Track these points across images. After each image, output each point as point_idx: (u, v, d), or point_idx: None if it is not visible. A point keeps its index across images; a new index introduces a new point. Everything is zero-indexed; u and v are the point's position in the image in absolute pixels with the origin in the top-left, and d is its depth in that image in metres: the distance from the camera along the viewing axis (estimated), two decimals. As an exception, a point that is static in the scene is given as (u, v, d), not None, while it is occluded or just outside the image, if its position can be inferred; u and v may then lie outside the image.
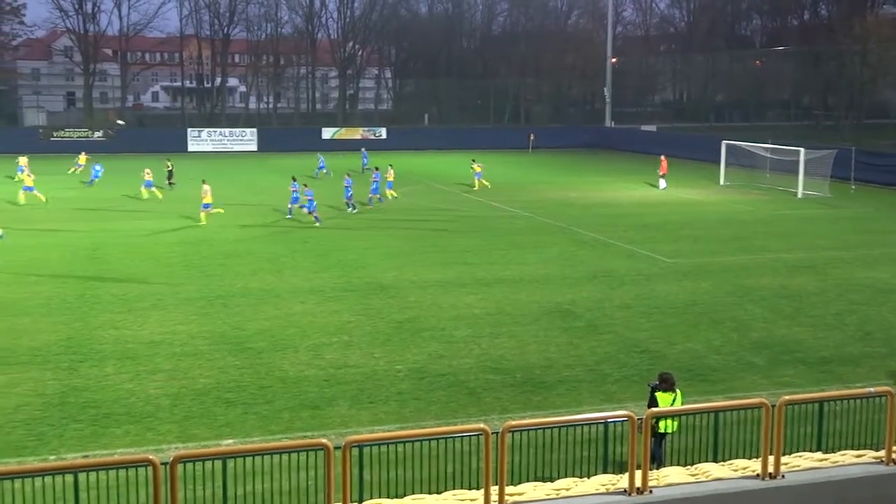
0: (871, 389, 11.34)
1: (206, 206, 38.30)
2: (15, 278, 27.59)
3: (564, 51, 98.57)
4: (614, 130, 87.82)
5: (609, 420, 13.39)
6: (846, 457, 11.17)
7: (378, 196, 44.68)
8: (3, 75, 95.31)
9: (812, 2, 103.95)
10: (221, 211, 39.02)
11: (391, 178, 47.47)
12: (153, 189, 45.63)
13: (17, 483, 11.12)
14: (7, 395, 17.61)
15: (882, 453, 10.43)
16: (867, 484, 10.12)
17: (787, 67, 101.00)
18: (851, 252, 33.50)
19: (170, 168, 51.09)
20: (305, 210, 38.58)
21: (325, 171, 56.91)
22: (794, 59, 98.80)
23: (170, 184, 49.81)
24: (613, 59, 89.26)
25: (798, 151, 49.74)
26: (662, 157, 53.78)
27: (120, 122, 56.44)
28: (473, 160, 53.28)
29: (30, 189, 43.79)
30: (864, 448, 11.81)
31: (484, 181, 51.74)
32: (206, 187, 38.81)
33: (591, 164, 69.93)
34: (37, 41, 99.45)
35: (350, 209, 41.96)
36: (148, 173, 46.26)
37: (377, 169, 46.50)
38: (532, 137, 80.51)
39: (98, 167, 52.57)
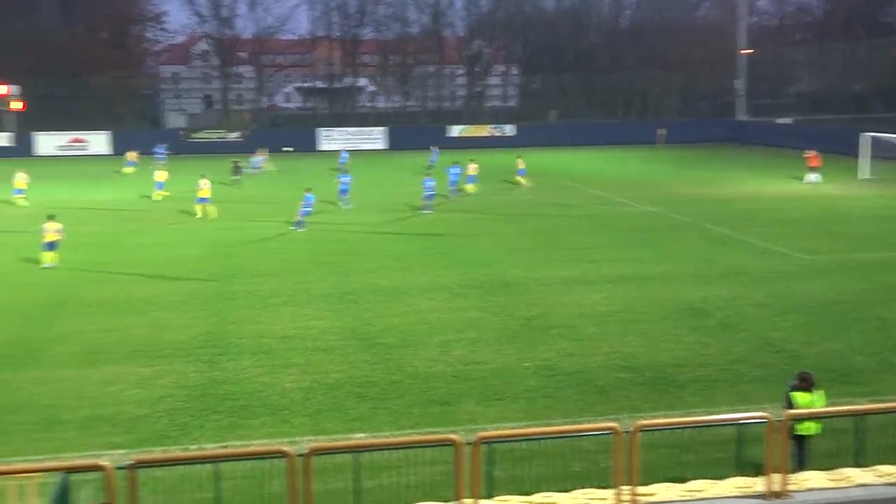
0: None
1: (203, 199, 40.15)
2: (158, 275, 28.79)
3: (694, 43, 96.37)
4: (747, 124, 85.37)
5: (745, 421, 13.02)
6: None
7: (455, 189, 45.25)
8: (147, 80, 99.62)
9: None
10: (210, 209, 40.05)
11: (473, 173, 48.33)
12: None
13: (161, 471, 11.59)
14: (153, 386, 18.39)
15: None
16: None
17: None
18: None
19: (236, 163, 53.16)
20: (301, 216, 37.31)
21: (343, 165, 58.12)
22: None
23: (235, 180, 51.84)
24: (746, 51, 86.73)
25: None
26: (810, 151, 52.13)
27: (288, 148, 58.25)
28: (518, 156, 52.80)
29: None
30: None
31: (522, 179, 51.26)
32: (204, 182, 40.48)
33: (723, 158, 68.17)
34: (177, 46, 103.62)
35: (425, 211, 41.16)
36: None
37: (456, 163, 47.21)
38: (663, 132, 79.05)
39: (257, 160, 55.63)
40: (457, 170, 46.48)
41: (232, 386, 18.41)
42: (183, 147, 74.53)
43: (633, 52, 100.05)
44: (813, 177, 51.12)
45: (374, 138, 79.86)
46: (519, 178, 51.39)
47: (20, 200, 44.98)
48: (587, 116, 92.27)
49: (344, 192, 43.62)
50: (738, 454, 13.05)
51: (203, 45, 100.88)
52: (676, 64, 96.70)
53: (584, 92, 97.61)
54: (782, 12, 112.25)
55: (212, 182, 41.81)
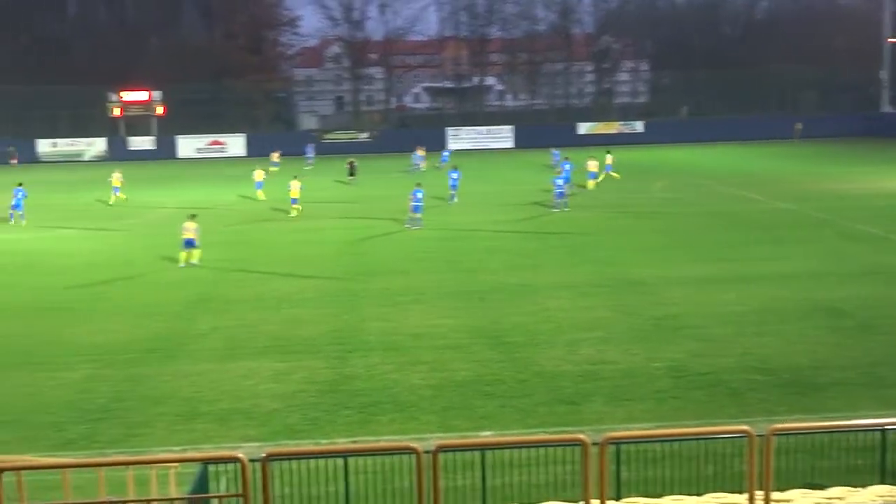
0: None
1: (294, 200, 42.31)
2: (292, 272, 29.58)
3: (836, 33, 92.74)
4: (892, 116, 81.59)
5: (888, 427, 12.47)
6: None
7: (568, 184, 45.67)
8: (282, 84, 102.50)
9: None
10: (299, 209, 41.98)
11: (592, 169, 48.93)
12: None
13: (293, 464, 11.92)
14: (287, 381, 18.92)
15: None
16: None
17: None
18: None
19: (352, 163, 55.34)
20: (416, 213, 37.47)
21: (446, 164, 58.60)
22: None
23: (352, 179, 54.30)
24: (891, 39, 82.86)
25: None
26: None
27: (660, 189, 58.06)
28: (608, 151, 51.94)
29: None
30: None
31: (613, 174, 50.88)
32: (294, 183, 42.40)
33: (865, 152, 65.38)
34: (310, 50, 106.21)
35: (555, 209, 40.91)
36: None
37: (567, 158, 49.18)
38: (798, 127, 76.50)
39: (418, 157, 60.48)
40: (568, 166, 47.42)
41: (362, 382, 18.75)
42: (317, 148, 76.39)
43: (769, 44, 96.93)
44: None
45: (503, 137, 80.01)
46: (608, 173, 50.96)
47: (118, 198, 47.68)
48: (719, 112, 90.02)
49: (453, 187, 45.17)
50: (881, 461, 12.51)
51: (335, 48, 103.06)
52: (816, 55, 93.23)
53: (716, 87, 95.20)
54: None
55: (328, 181, 42.96)
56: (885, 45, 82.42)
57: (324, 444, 15.41)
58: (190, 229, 30.86)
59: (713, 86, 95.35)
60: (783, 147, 71.36)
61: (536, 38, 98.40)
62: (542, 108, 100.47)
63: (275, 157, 63.18)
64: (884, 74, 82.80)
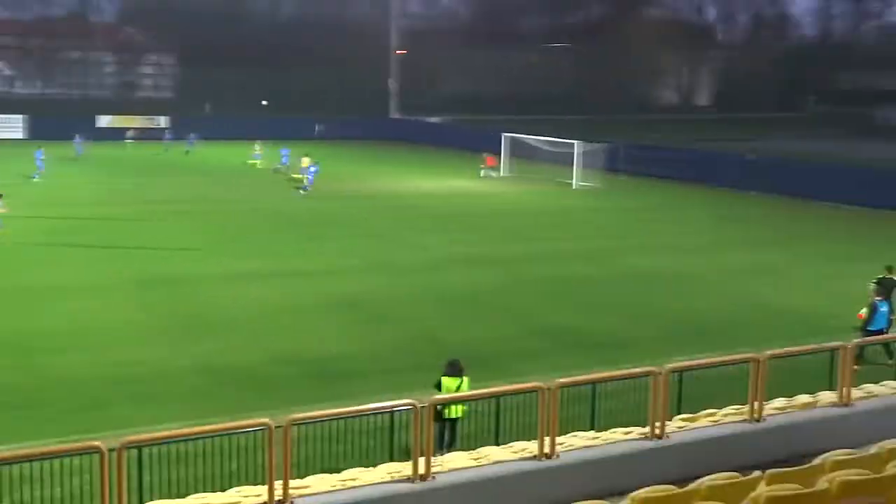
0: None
1: None
2: None
3: (350, 41, 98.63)
4: (399, 122, 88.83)
5: (394, 409, 13.56)
6: (616, 434, 11.88)
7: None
8: None
9: (587, 2, 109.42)
10: None
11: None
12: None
13: None
14: None
15: (647, 429, 11.12)
16: (634, 459, 10.77)
17: (566, 64, 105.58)
18: (624, 241, 35.49)
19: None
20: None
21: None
22: (572, 56, 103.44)
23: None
24: (398, 51, 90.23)
25: (573, 144, 52.16)
26: (487, 154, 55.98)
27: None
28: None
29: None
30: (633, 425, 12.54)
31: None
32: None
33: (376, 154, 70.32)
34: None
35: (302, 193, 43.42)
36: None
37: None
38: (320, 128, 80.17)
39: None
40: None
41: None
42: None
43: (291, 47, 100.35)
44: (488, 173, 55.17)
45: (12, 126, 73.84)
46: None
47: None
48: (244, 110, 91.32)
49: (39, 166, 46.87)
50: (389, 441, 13.57)
51: None
52: (334, 61, 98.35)
53: (241, 85, 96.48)
54: (433, 16, 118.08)
55: None
56: (392, 57, 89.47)
57: None
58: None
59: (238, 84, 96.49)
60: (306, 147, 74.20)
61: (51, 24, 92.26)
62: (59, 97, 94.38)
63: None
64: (392, 83, 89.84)
